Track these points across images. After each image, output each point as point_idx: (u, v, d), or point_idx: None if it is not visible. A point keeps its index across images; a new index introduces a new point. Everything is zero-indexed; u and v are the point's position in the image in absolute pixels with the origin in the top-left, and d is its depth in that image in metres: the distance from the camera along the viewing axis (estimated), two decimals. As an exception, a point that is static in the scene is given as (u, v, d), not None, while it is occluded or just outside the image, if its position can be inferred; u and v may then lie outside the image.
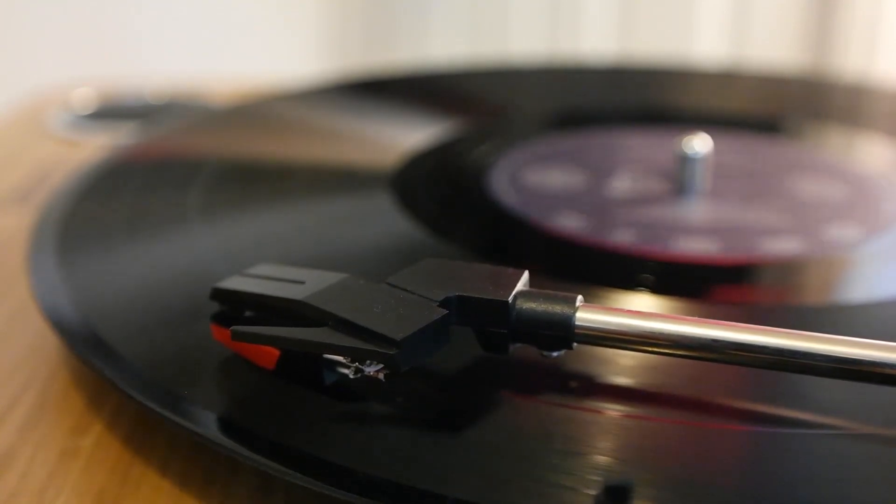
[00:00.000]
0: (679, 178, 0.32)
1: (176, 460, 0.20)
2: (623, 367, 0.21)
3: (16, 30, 0.88)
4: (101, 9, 0.89)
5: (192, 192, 0.31)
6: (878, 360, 0.18)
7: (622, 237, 0.29)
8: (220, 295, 0.21)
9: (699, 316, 0.19)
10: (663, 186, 0.33)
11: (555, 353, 0.20)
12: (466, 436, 0.18)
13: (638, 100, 0.46)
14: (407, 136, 0.38)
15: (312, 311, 0.19)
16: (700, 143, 0.32)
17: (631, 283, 0.26)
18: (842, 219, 0.30)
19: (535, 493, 0.17)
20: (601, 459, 0.18)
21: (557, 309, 0.19)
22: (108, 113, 0.47)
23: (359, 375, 0.19)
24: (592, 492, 0.17)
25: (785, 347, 0.18)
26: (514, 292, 0.19)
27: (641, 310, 0.19)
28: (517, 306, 0.19)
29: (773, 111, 0.44)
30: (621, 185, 0.33)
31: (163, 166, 0.35)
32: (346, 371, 0.19)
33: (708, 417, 0.19)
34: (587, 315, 0.19)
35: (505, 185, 0.33)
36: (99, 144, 0.42)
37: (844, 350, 0.18)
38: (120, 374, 0.21)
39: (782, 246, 0.28)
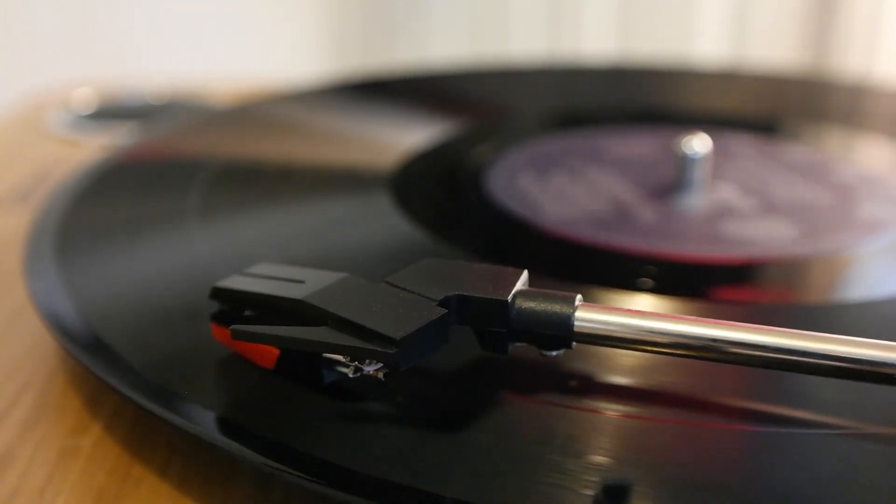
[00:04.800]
0: (679, 178, 0.32)
1: (176, 460, 0.20)
2: (622, 367, 0.21)
3: (15, 30, 0.88)
4: (101, 9, 0.89)
5: (192, 193, 0.31)
6: (878, 360, 0.18)
7: (622, 237, 0.29)
8: (219, 294, 0.21)
9: (699, 316, 0.19)
10: (663, 186, 0.33)
11: (554, 353, 0.20)
12: (466, 435, 0.18)
13: (638, 100, 0.46)
14: (407, 137, 0.38)
15: (312, 311, 0.19)
16: (700, 143, 0.32)
17: (631, 283, 0.26)
18: (841, 218, 0.30)
19: (535, 493, 0.17)
20: (600, 459, 0.18)
21: (557, 308, 0.19)
22: (108, 113, 0.47)
23: (358, 375, 0.19)
24: (591, 492, 0.17)
25: (785, 347, 0.18)
26: (513, 292, 0.19)
27: (641, 309, 0.19)
28: (516, 306, 0.19)
29: (773, 111, 0.44)
30: (621, 185, 0.33)
31: (162, 166, 0.35)
32: (345, 370, 0.19)
33: (708, 417, 0.19)
34: (586, 314, 0.19)
35: (504, 186, 0.33)
36: (99, 144, 0.42)
37: (844, 350, 0.18)
38: (119, 374, 0.21)
39: (782, 245, 0.28)
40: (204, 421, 0.19)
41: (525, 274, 0.20)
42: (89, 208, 0.30)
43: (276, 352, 0.20)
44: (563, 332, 0.19)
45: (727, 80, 0.50)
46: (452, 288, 0.19)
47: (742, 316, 0.23)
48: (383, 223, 0.29)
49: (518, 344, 0.20)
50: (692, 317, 0.19)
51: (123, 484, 0.20)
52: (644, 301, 0.25)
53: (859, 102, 0.46)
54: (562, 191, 0.32)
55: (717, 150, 0.33)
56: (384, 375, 0.19)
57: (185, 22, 0.91)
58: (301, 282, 0.20)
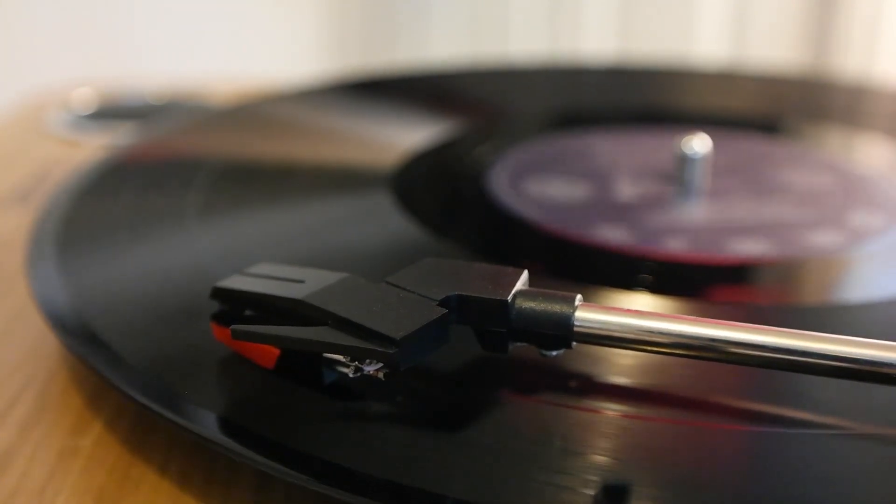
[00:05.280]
0: (678, 178, 0.32)
1: (175, 460, 0.20)
2: (622, 367, 0.21)
3: (16, 30, 0.88)
4: (101, 9, 0.89)
5: (192, 192, 0.31)
6: (878, 360, 0.18)
7: (621, 237, 0.29)
8: (220, 294, 0.21)
9: (699, 316, 0.19)
10: (663, 186, 0.33)
11: (554, 353, 0.20)
12: (465, 435, 0.18)
13: (638, 100, 0.46)
14: (407, 136, 0.38)
15: (312, 311, 0.19)
16: (700, 143, 0.32)
17: (630, 283, 0.26)
18: (841, 218, 0.30)
19: (534, 493, 0.17)
20: (600, 459, 0.18)
21: (556, 308, 0.19)
22: (108, 113, 0.47)
23: (358, 374, 0.19)
24: (591, 492, 0.17)
25: (785, 347, 0.18)
26: (513, 291, 0.19)
27: (641, 309, 0.19)
28: (516, 305, 0.19)
29: (773, 111, 0.44)
30: (621, 185, 0.33)
31: (163, 166, 0.35)
32: (345, 370, 0.19)
33: (707, 417, 0.19)
34: (586, 314, 0.19)
35: (504, 185, 0.33)
36: (99, 144, 0.42)
37: (844, 350, 0.18)
38: (119, 374, 0.21)
39: (782, 246, 0.28)
40: (204, 420, 0.19)
41: (525, 274, 0.20)
42: (90, 208, 0.30)
43: (276, 352, 0.20)
44: (562, 332, 0.19)
45: (727, 80, 0.50)
46: (452, 288, 0.19)
47: (741, 316, 0.23)
48: (383, 223, 0.29)
49: (518, 344, 0.20)
50: (692, 317, 0.19)
51: (123, 484, 0.20)
52: (644, 301, 0.25)
53: (859, 102, 0.46)
54: (562, 190, 0.32)
55: (717, 150, 0.33)
56: (384, 375, 0.19)
57: (185, 22, 0.91)
58: (301, 282, 0.20)
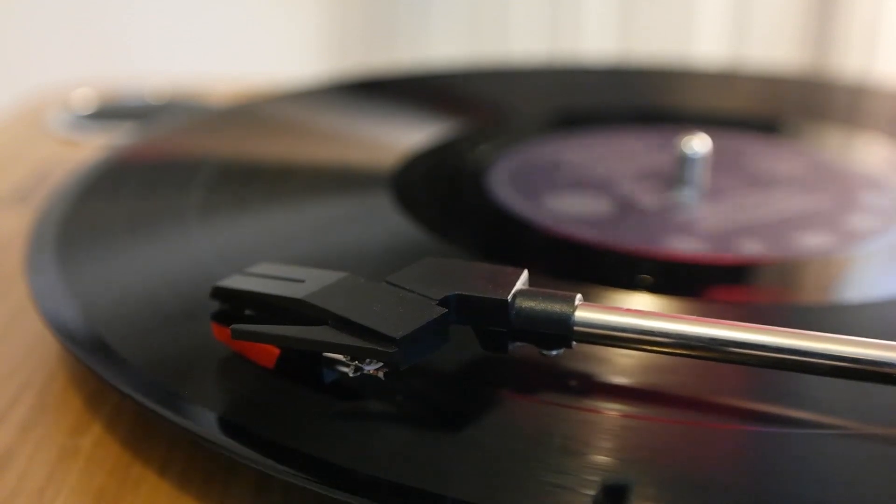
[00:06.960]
0: (678, 178, 0.32)
1: (175, 460, 0.20)
2: (622, 367, 0.21)
3: (16, 30, 0.88)
4: (101, 9, 0.89)
5: (192, 193, 0.31)
6: (878, 360, 0.18)
7: (621, 237, 0.29)
8: (220, 293, 0.21)
9: (699, 316, 0.19)
10: (662, 186, 0.33)
11: (554, 352, 0.20)
12: (465, 435, 0.18)
13: (638, 100, 0.46)
14: (407, 136, 0.38)
15: (312, 310, 0.19)
16: (700, 143, 0.32)
17: (631, 282, 0.26)
18: (841, 218, 0.30)
19: (535, 493, 0.17)
20: (600, 459, 0.18)
21: (556, 308, 0.19)
22: (108, 113, 0.47)
23: (358, 374, 0.19)
24: (591, 492, 0.17)
25: (785, 347, 0.18)
26: (513, 291, 0.19)
27: (641, 309, 0.19)
28: (516, 305, 0.19)
29: (773, 111, 0.44)
30: (620, 185, 0.33)
31: (162, 166, 0.35)
32: (345, 370, 0.19)
33: (708, 417, 0.19)
34: (586, 314, 0.19)
35: (505, 185, 0.33)
36: (99, 144, 0.42)
37: (844, 350, 0.18)
38: (119, 374, 0.21)
39: (782, 245, 0.28)
40: (204, 420, 0.19)
41: (525, 273, 0.20)
42: (89, 208, 0.30)
43: (276, 351, 0.20)
44: (562, 332, 0.19)
45: (727, 80, 0.50)
46: (452, 287, 0.19)
47: (741, 316, 0.23)
48: (383, 223, 0.29)
49: (518, 343, 0.20)
50: (692, 316, 0.19)
51: (123, 484, 0.20)
52: (644, 301, 0.25)
53: (859, 102, 0.46)
54: (562, 190, 0.32)
55: (717, 150, 0.33)
56: (384, 375, 0.19)
57: (185, 22, 0.91)
58: (301, 281, 0.20)
